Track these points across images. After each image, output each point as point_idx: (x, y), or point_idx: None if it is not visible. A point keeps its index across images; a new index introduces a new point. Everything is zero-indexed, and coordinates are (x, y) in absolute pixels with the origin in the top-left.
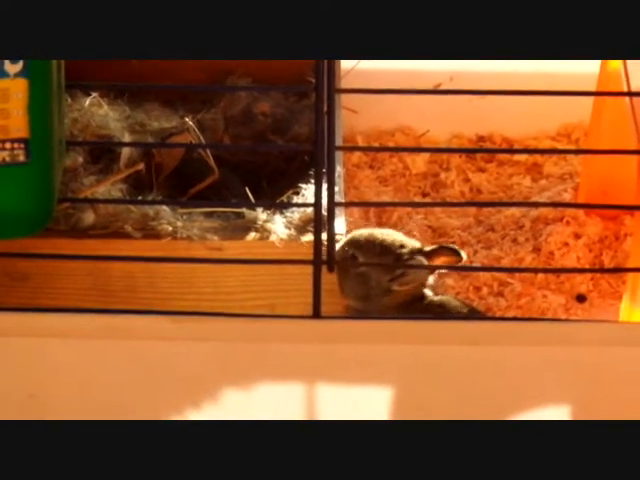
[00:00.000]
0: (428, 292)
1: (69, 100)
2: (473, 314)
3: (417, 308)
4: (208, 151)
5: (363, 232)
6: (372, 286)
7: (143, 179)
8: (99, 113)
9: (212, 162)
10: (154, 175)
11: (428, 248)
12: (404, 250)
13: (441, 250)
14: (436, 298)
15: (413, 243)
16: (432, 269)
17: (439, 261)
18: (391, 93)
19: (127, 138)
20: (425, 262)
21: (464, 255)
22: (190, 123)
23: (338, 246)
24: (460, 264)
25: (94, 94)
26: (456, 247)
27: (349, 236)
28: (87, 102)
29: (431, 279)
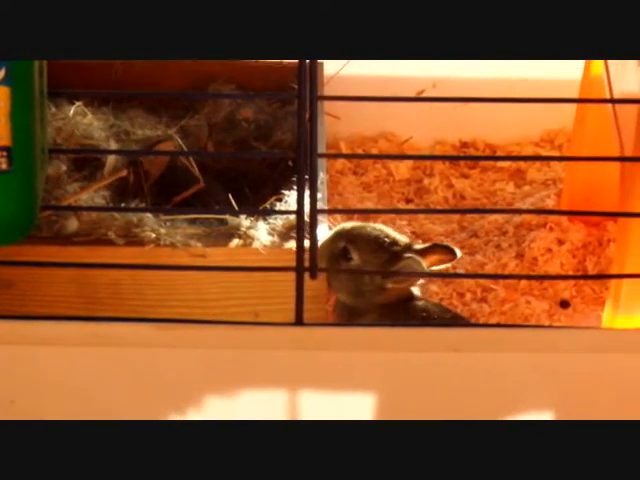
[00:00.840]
0: (416, 291)
1: (53, 109)
2: (456, 320)
3: (406, 308)
4: (192, 160)
5: (355, 225)
6: (365, 283)
7: (127, 186)
8: (83, 122)
9: (197, 171)
10: (143, 181)
11: (420, 246)
12: (398, 247)
13: (434, 248)
14: (420, 302)
15: (404, 239)
16: (421, 277)
17: (431, 259)
18: (373, 100)
19: (112, 146)
20: (421, 260)
21: (459, 252)
22: (173, 134)
23: (327, 237)
24: (443, 270)
25: (78, 103)
26: (450, 245)
27: (339, 227)
28: (71, 111)
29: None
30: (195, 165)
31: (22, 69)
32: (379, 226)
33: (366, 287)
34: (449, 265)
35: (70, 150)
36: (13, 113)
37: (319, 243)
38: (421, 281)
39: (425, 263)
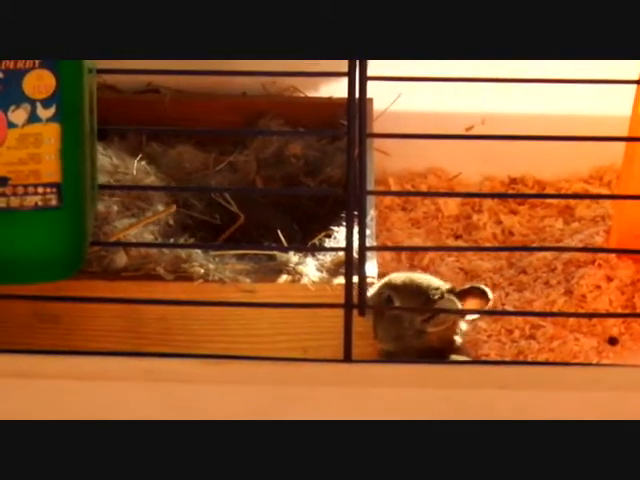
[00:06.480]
0: (458, 339)
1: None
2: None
3: (446, 354)
4: (228, 197)
5: (401, 275)
6: (405, 327)
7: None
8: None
9: (235, 207)
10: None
11: (459, 289)
12: (435, 292)
13: (472, 290)
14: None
15: (446, 285)
16: (464, 313)
17: (469, 302)
18: (423, 138)
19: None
20: (456, 300)
21: (490, 295)
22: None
23: (375, 289)
24: (491, 307)
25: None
26: (484, 288)
27: (386, 279)
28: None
29: (464, 325)
30: (233, 203)
31: (72, 106)
32: (426, 275)
33: (406, 332)
34: (490, 299)
35: (120, 187)
36: (63, 150)
37: (369, 293)
38: (462, 328)
39: (461, 304)
